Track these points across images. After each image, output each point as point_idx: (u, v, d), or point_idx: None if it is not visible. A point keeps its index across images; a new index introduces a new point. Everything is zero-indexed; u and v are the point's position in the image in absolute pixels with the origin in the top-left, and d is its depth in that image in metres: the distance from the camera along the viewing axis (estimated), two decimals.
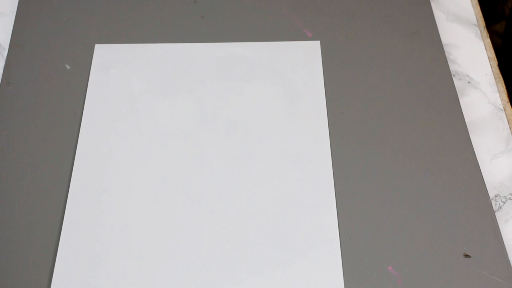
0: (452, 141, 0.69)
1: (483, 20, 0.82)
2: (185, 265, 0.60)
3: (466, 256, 0.60)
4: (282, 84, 0.73)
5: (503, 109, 0.73)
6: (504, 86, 0.75)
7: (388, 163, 0.67)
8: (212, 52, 0.76)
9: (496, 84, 0.75)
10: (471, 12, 0.82)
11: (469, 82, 0.75)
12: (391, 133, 0.69)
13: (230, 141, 0.68)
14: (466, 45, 0.79)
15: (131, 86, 0.73)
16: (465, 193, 0.65)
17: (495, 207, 0.64)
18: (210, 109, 0.71)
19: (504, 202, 0.65)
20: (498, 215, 0.64)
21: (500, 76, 0.76)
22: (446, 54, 0.77)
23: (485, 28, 0.81)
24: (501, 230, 0.62)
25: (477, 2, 0.84)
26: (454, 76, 0.75)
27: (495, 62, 0.77)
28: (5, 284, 0.59)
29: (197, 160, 0.67)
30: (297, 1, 0.81)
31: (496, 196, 0.66)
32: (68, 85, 0.73)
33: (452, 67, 0.76)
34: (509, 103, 0.73)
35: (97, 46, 0.76)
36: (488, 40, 0.79)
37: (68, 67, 0.75)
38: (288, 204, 0.64)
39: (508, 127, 0.71)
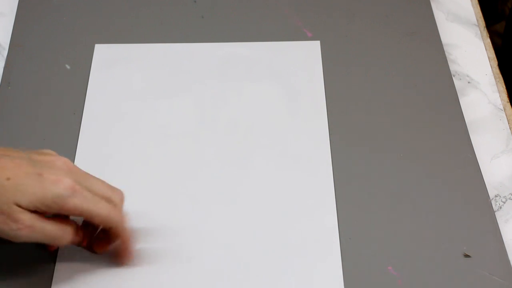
0: (452, 141, 0.69)
1: (483, 20, 0.82)
2: (184, 265, 0.60)
3: (466, 256, 0.60)
4: (282, 84, 0.73)
5: (503, 109, 0.73)
6: (504, 86, 0.75)
7: (388, 163, 0.67)
8: (212, 52, 0.76)
9: (496, 84, 0.75)
10: (471, 12, 0.82)
11: (469, 82, 0.75)
12: (391, 133, 0.69)
13: (230, 141, 0.68)
14: (466, 45, 0.79)
15: (131, 86, 0.73)
16: (465, 193, 0.65)
17: (495, 207, 0.64)
18: (210, 109, 0.71)
19: (504, 202, 0.65)
20: (498, 215, 0.64)
21: (500, 76, 0.76)
22: (446, 54, 0.77)
23: (485, 28, 0.81)
24: (501, 230, 0.62)
25: (477, 2, 0.84)
26: (454, 76, 0.75)
27: (495, 62, 0.77)
28: (6, 284, 0.59)
29: (197, 160, 0.67)
30: (297, 1, 0.81)
31: (496, 196, 0.66)
32: (68, 85, 0.73)
33: (452, 67, 0.76)
34: (509, 103, 0.73)
35: (97, 46, 0.76)
36: (488, 40, 0.79)
37: (68, 67, 0.75)
38: (288, 204, 0.64)
39: (508, 127, 0.71)
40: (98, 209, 0.55)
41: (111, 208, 0.56)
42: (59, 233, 0.55)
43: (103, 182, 0.57)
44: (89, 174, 0.57)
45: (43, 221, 0.54)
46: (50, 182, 0.53)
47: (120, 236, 0.58)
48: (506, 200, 0.65)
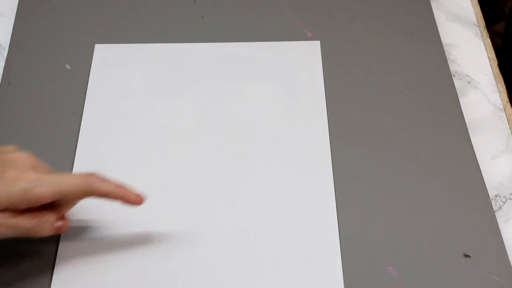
0: (452, 141, 0.69)
1: (483, 20, 0.82)
2: (184, 266, 0.60)
3: (466, 256, 0.60)
4: (282, 84, 0.73)
5: (503, 109, 0.73)
6: (504, 86, 0.75)
7: (388, 163, 0.67)
8: (212, 52, 0.76)
9: (496, 84, 0.75)
10: (471, 12, 0.82)
11: (469, 82, 0.75)
12: (391, 133, 0.69)
13: (230, 141, 0.68)
14: (466, 45, 0.79)
15: (131, 86, 0.73)
16: (465, 193, 0.65)
17: (495, 207, 0.64)
18: (210, 109, 0.71)
19: (504, 202, 0.65)
20: (498, 215, 0.64)
21: (500, 76, 0.76)
22: (446, 54, 0.77)
23: (485, 28, 0.81)
24: (501, 230, 0.62)
25: (477, 2, 0.84)
26: (454, 76, 0.75)
27: (495, 62, 0.77)
28: (6, 283, 0.59)
29: (197, 160, 0.67)
30: (297, 1, 0.81)
31: (496, 196, 0.66)
32: (68, 85, 0.73)
33: (452, 67, 0.76)
34: (509, 103, 0.73)
35: (97, 46, 0.76)
36: (488, 40, 0.80)
37: (68, 67, 0.75)
38: (288, 204, 0.64)
39: (508, 127, 0.71)
40: (67, 185, 0.54)
41: (80, 177, 0.55)
42: (34, 226, 0.55)
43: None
44: (53, 168, 0.56)
45: (15, 217, 0.54)
46: (12, 180, 0.53)
47: (109, 195, 0.56)
48: (506, 200, 0.65)
